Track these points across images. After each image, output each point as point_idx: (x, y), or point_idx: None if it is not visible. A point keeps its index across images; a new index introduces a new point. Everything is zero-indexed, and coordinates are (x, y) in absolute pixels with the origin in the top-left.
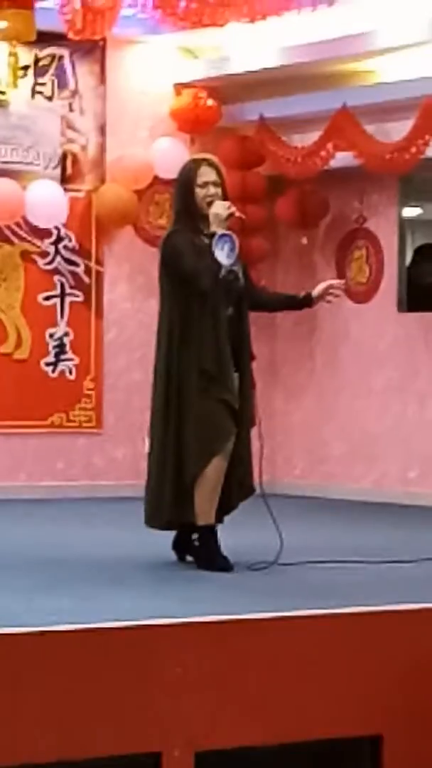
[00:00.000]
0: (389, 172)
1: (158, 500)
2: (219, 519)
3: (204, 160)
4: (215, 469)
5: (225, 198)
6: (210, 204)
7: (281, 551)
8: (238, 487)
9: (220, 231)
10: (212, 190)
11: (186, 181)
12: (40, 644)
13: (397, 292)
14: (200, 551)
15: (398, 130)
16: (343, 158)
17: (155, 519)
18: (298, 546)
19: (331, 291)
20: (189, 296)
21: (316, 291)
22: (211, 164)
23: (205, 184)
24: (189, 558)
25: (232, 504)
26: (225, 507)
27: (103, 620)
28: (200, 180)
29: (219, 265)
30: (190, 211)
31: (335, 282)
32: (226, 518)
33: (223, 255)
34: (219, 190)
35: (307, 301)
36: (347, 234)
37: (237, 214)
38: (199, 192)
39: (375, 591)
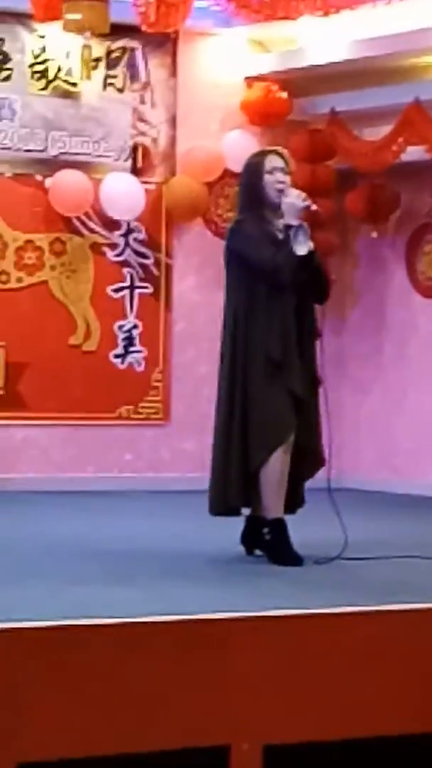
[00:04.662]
0: None
1: (222, 486)
2: (294, 506)
3: (273, 150)
4: (280, 461)
5: None
6: (280, 192)
7: (345, 546)
8: (310, 458)
9: (296, 222)
10: (281, 177)
11: (255, 168)
12: (111, 636)
13: None
14: (271, 545)
15: None
16: (414, 152)
17: (219, 505)
18: (365, 541)
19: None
20: (256, 285)
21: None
22: (279, 154)
23: (274, 171)
24: (257, 552)
25: (303, 476)
26: (296, 483)
27: (172, 614)
28: (269, 166)
29: (296, 257)
30: (258, 199)
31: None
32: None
33: (299, 246)
34: (288, 179)
35: (303, 257)
36: (418, 228)
37: (313, 206)
38: (269, 179)
39: None
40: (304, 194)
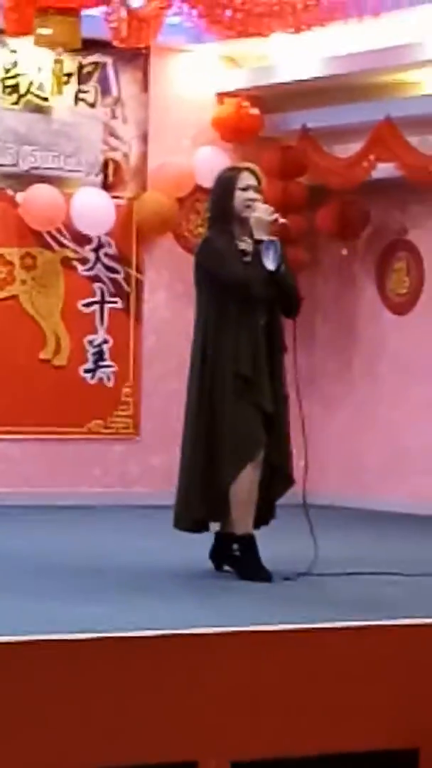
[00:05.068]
0: (431, 184)
1: (187, 501)
2: (263, 522)
3: (246, 167)
4: (249, 477)
5: None
6: (249, 207)
7: (315, 561)
8: (280, 477)
9: (265, 237)
10: (253, 194)
11: (226, 184)
12: (76, 651)
13: None
14: (240, 561)
15: None
16: (385, 169)
17: (184, 521)
18: (333, 557)
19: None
20: (225, 301)
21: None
22: (252, 171)
23: (247, 188)
24: (226, 568)
25: (273, 494)
26: (266, 501)
27: (140, 629)
28: (241, 184)
29: (266, 272)
30: (227, 214)
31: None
32: (264, 529)
33: (269, 261)
34: (260, 197)
35: (272, 273)
36: (388, 245)
37: (281, 220)
38: (240, 195)
39: (411, 604)
40: (272, 208)
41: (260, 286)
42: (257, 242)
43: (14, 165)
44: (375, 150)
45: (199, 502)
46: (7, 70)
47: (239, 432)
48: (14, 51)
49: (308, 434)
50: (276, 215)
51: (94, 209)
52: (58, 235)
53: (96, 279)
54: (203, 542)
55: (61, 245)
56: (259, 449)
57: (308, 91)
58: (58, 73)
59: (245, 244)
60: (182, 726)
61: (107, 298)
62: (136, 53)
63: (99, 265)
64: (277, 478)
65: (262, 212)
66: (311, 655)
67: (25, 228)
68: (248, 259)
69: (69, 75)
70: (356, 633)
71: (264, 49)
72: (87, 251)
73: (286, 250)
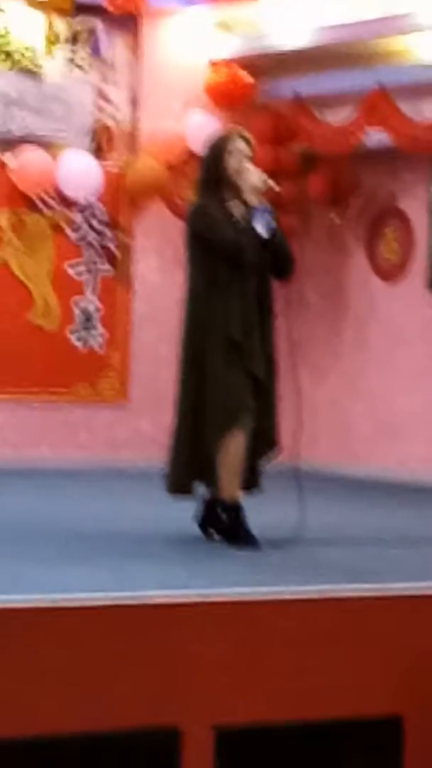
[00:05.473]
0: (422, 152)
1: (177, 466)
2: (251, 486)
3: (237, 132)
4: (237, 443)
5: None
6: (240, 173)
7: (302, 529)
8: (264, 440)
9: (258, 203)
10: (243, 159)
11: (217, 149)
12: (61, 616)
13: (427, 271)
14: (227, 528)
15: None
16: (376, 137)
17: (175, 485)
18: (322, 525)
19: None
20: (216, 266)
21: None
22: (243, 137)
23: (238, 153)
24: (214, 534)
25: (256, 456)
26: (251, 465)
27: (126, 594)
28: (231, 148)
29: (258, 238)
30: (219, 179)
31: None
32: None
33: (260, 227)
34: (250, 163)
35: (267, 243)
36: (378, 213)
37: (275, 187)
38: (230, 160)
39: (397, 572)
40: (264, 175)
41: (252, 252)
42: (249, 208)
43: (5, 128)
44: (366, 117)
45: (186, 465)
46: (1, 35)
47: (228, 397)
48: (4, 11)
49: (297, 402)
50: (269, 181)
51: (79, 172)
52: (48, 199)
53: (85, 243)
54: (191, 508)
55: (51, 209)
56: (247, 415)
57: (301, 59)
58: (49, 36)
59: (237, 210)
60: (165, 691)
61: (97, 263)
62: (127, 17)
63: (89, 230)
64: (262, 442)
65: (254, 178)
66: (295, 622)
67: (15, 191)
68: (240, 224)
69: (60, 38)
70: (340, 602)
71: (257, 15)
72: (77, 216)
73: (278, 217)
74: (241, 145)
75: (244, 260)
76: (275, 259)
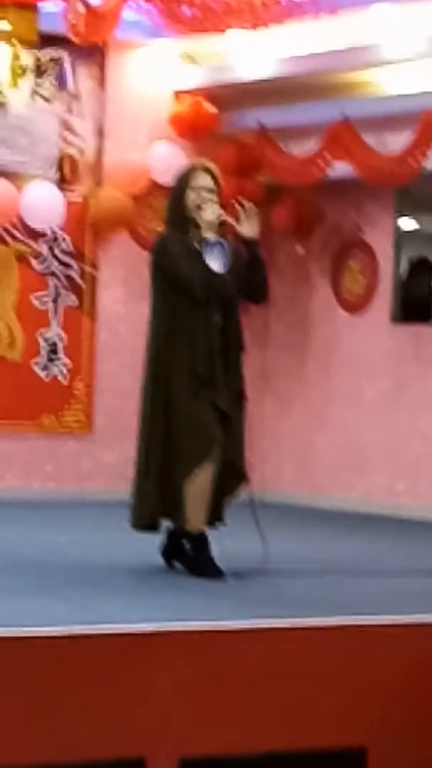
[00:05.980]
0: (387, 184)
1: (142, 501)
2: (216, 519)
3: (201, 165)
4: (204, 475)
5: (219, 205)
6: (199, 208)
7: (265, 559)
8: (233, 474)
9: (211, 237)
10: (205, 195)
11: (180, 183)
12: (26, 648)
13: (391, 303)
14: (191, 558)
15: (397, 142)
16: (340, 169)
17: (140, 520)
18: (285, 555)
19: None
20: (180, 300)
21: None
22: (207, 170)
23: (199, 189)
24: (177, 565)
25: (226, 491)
26: (218, 498)
27: (90, 626)
28: (194, 184)
29: (210, 272)
30: (180, 214)
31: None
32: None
33: (214, 262)
34: (213, 197)
35: (250, 248)
36: (343, 244)
37: (228, 220)
38: (191, 195)
39: (361, 603)
40: (220, 210)
41: (202, 287)
42: (204, 243)
43: None
44: (331, 149)
45: (154, 500)
46: None
47: (196, 430)
48: None
49: (261, 432)
50: (223, 216)
51: (43, 203)
52: (12, 230)
53: (50, 274)
54: (155, 539)
55: (16, 240)
56: (216, 447)
57: (265, 90)
58: (15, 67)
59: (197, 244)
60: (129, 722)
61: (61, 294)
62: (93, 49)
63: (53, 261)
64: (230, 475)
65: (209, 213)
66: (259, 653)
67: None
68: (203, 257)
69: (26, 69)
70: (305, 632)
71: (221, 46)
72: (42, 246)
73: (237, 250)
74: (205, 180)
75: (196, 295)
76: (246, 288)
